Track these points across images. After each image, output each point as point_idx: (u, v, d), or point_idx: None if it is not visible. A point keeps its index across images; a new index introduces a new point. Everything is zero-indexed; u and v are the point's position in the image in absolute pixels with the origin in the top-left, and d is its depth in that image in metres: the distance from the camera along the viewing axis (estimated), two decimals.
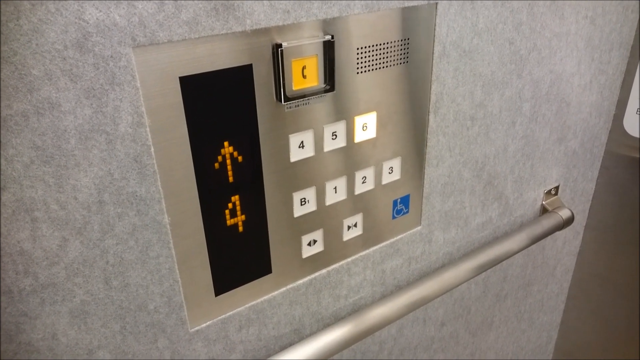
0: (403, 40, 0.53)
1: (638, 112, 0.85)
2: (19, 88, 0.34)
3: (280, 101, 0.47)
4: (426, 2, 0.53)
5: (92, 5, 0.35)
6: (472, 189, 0.71)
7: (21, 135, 0.35)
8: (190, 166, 0.44)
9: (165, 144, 0.42)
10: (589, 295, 1.05)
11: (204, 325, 0.52)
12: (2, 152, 0.35)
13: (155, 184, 0.43)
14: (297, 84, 0.47)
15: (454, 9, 0.55)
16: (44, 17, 0.33)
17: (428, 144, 0.62)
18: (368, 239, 0.62)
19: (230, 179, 0.47)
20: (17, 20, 0.32)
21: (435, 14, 0.54)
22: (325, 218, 0.57)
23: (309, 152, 0.52)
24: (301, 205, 0.54)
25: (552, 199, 0.86)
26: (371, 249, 0.63)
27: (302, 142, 0.51)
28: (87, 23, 0.35)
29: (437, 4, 0.54)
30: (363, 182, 0.58)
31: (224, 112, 0.44)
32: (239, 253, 0.51)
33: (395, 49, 0.53)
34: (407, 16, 0.52)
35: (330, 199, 0.56)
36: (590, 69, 0.78)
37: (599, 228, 0.99)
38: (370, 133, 0.55)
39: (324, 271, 0.60)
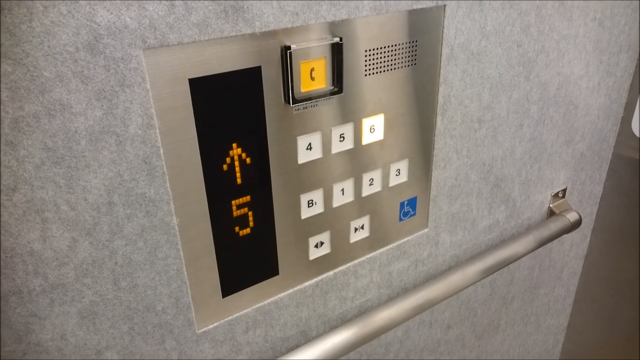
0: (411, 43, 0.53)
1: None
2: (31, 89, 0.34)
3: (289, 103, 0.47)
4: (434, 4, 0.53)
5: (103, 7, 0.35)
6: (479, 192, 0.71)
7: (32, 137, 0.36)
8: (198, 168, 0.44)
9: (174, 146, 0.42)
10: (596, 298, 1.04)
11: (211, 326, 0.52)
12: (13, 154, 0.35)
13: (164, 186, 0.43)
14: (305, 86, 0.47)
15: (462, 11, 0.55)
16: (56, 19, 0.33)
17: (435, 146, 0.62)
18: (375, 241, 0.62)
19: (239, 180, 0.47)
20: (30, 23, 0.33)
21: (443, 16, 0.54)
22: (332, 220, 0.57)
23: (316, 154, 0.52)
24: (308, 207, 0.54)
25: (559, 201, 0.86)
26: (378, 251, 0.63)
27: (309, 144, 0.51)
28: (99, 25, 0.35)
29: (445, 6, 0.54)
30: (370, 184, 0.58)
31: (232, 113, 0.44)
32: (246, 254, 0.51)
33: (403, 51, 0.53)
34: (415, 18, 0.52)
35: (338, 201, 0.56)
36: (599, 71, 0.77)
37: (606, 231, 0.98)
38: (378, 135, 0.55)
39: (330, 273, 0.60)
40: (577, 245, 0.98)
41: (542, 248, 0.83)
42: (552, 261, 0.94)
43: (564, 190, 0.86)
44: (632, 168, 0.90)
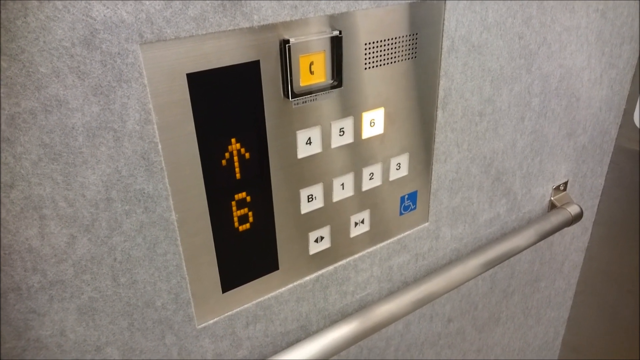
0: (411, 35, 0.53)
1: None
2: (27, 86, 0.34)
3: (288, 97, 0.46)
4: None
5: (99, 2, 0.34)
6: (480, 185, 0.71)
7: (29, 133, 0.35)
8: (197, 163, 0.44)
9: (172, 141, 0.42)
10: (597, 291, 1.04)
11: (211, 321, 0.52)
12: (10, 150, 0.35)
13: (163, 181, 0.43)
14: (304, 80, 0.47)
15: (462, 3, 0.55)
16: (51, 15, 0.33)
17: (436, 139, 0.61)
18: (375, 235, 0.62)
19: (238, 175, 0.47)
20: (25, 18, 0.32)
21: (444, 9, 0.54)
22: (332, 215, 0.56)
23: (316, 148, 0.51)
24: (308, 201, 0.53)
25: (560, 194, 0.86)
26: (378, 246, 0.63)
27: (309, 138, 0.50)
28: (95, 20, 0.35)
29: None
30: (370, 179, 0.58)
31: (231, 108, 0.44)
32: (246, 250, 0.51)
33: (404, 44, 0.52)
34: (416, 11, 0.52)
35: (338, 195, 0.56)
36: (601, 63, 0.77)
37: (607, 224, 0.98)
38: (378, 129, 0.55)
39: (331, 268, 0.59)
40: (578, 238, 0.98)
41: (543, 241, 0.83)
42: (553, 254, 0.94)
43: (565, 183, 0.86)
44: (634, 160, 0.90)
